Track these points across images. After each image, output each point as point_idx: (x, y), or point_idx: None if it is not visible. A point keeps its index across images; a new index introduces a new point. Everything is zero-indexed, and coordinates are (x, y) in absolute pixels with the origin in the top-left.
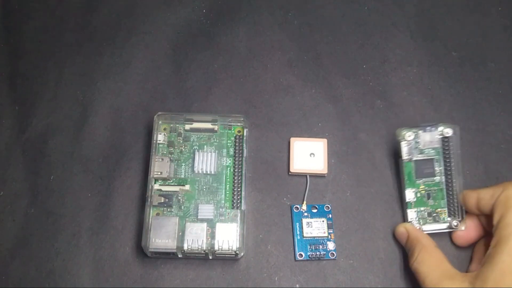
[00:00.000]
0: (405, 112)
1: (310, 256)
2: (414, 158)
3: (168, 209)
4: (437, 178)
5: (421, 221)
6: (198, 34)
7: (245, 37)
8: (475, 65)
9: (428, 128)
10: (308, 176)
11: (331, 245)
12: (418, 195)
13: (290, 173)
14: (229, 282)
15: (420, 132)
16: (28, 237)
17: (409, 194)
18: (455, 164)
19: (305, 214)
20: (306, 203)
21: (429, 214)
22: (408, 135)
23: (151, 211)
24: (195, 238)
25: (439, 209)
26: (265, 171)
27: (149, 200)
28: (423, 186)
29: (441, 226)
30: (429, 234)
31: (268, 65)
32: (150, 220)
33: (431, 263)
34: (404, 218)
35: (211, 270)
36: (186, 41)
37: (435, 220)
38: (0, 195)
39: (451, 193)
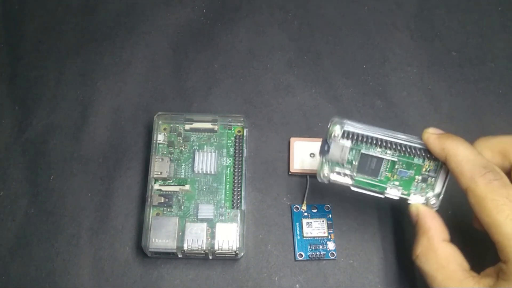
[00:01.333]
0: (405, 112)
1: (310, 256)
2: (354, 174)
3: (168, 209)
4: (386, 157)
5: (429, 192)
6: (198, 34)
7: (245, 37)
8: (475, 65)
9: (325, 147)
10: (308, 176)
11: (331, 245)
12: (397, 183)
13: (290, 173)
14: (229, 282)
15: (327, 157)
16: (28, 237)
17: (391, 192)
18: (373, 132)
19: (305, 214)
20: (306, 203)
21: (425, 180)
22: (325, 171)
23: (151, 211)
24: (195, 238)
25: (423, 169)
26: (265, 171)
27: (149, 200)
28: (389, 174)
29: (443, 175)
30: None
31: (268, 65)
32: (150, 220)
33: (437, 262)
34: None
35: (211, 270)
36: (186, 41)
37: (434, 177)
38: (0, 195)
39: (412, 149)
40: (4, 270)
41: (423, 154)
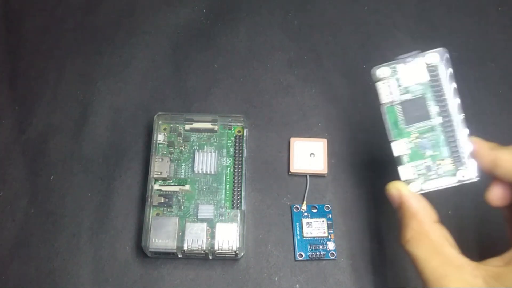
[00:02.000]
0: None
1: (310, 256)
2: (398, 100)
3: (168, 209)
4: (432, 121)
5: (420, 178)
6: (198, 34)
7: (245, 37)
8: (475, 65)
9: (409, 59)
10: (308, 176)
11: (331, 245)
12: (412, 145)
13: (290, 173)
14: (229, 282)
15: (399, 66)
16: (28, 237)
17: (399, 146)
18: (451, 99)
19: (305, 214)
20: (306, 203)
21: (429, 168)
22: (383, 72)
23: (151, 211)
24: (195, 238)
25: (440, 160)
26: (265, 171)
27: (149, 200)
28: (416, 134)
29: (448, 181)
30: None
31: (268, 65)
32: (150, 220)
33: (431, 246)
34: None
35: (211, 270)
36: (186, 41)
37: (439, 175)
38: (0, 195)
39: (453, 137)
40: (4, 270)
41: (458, 152)
